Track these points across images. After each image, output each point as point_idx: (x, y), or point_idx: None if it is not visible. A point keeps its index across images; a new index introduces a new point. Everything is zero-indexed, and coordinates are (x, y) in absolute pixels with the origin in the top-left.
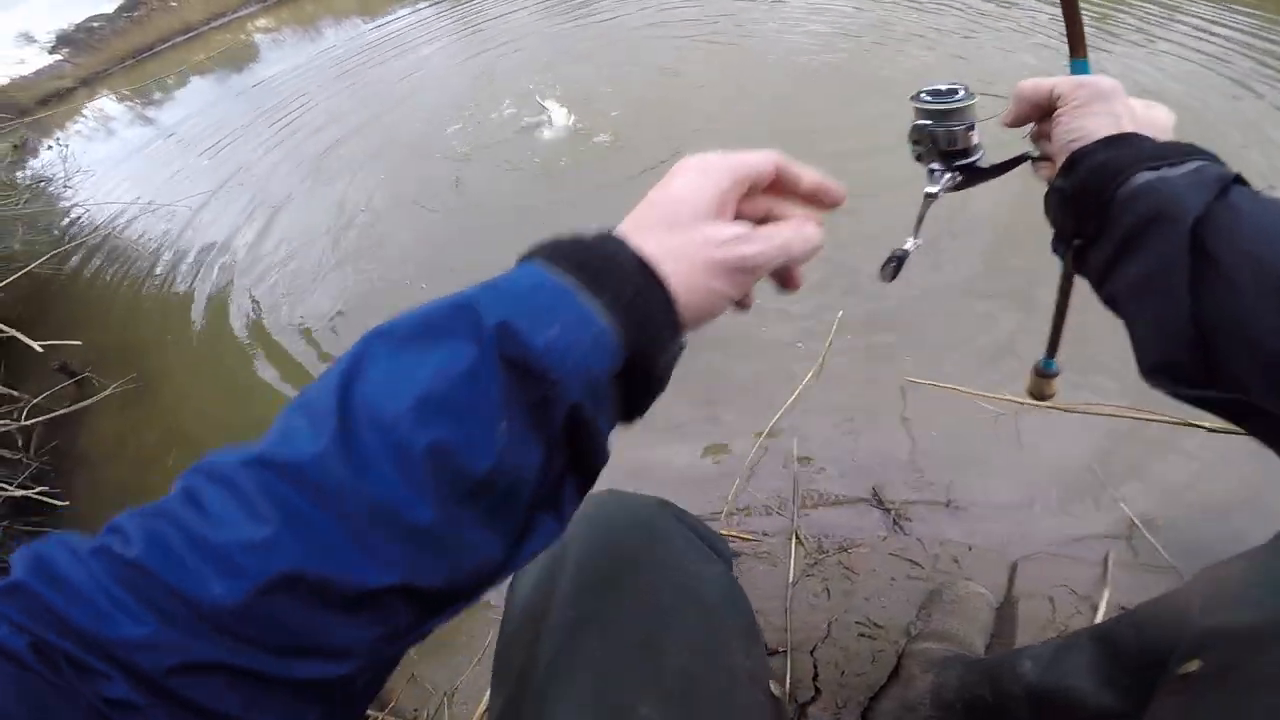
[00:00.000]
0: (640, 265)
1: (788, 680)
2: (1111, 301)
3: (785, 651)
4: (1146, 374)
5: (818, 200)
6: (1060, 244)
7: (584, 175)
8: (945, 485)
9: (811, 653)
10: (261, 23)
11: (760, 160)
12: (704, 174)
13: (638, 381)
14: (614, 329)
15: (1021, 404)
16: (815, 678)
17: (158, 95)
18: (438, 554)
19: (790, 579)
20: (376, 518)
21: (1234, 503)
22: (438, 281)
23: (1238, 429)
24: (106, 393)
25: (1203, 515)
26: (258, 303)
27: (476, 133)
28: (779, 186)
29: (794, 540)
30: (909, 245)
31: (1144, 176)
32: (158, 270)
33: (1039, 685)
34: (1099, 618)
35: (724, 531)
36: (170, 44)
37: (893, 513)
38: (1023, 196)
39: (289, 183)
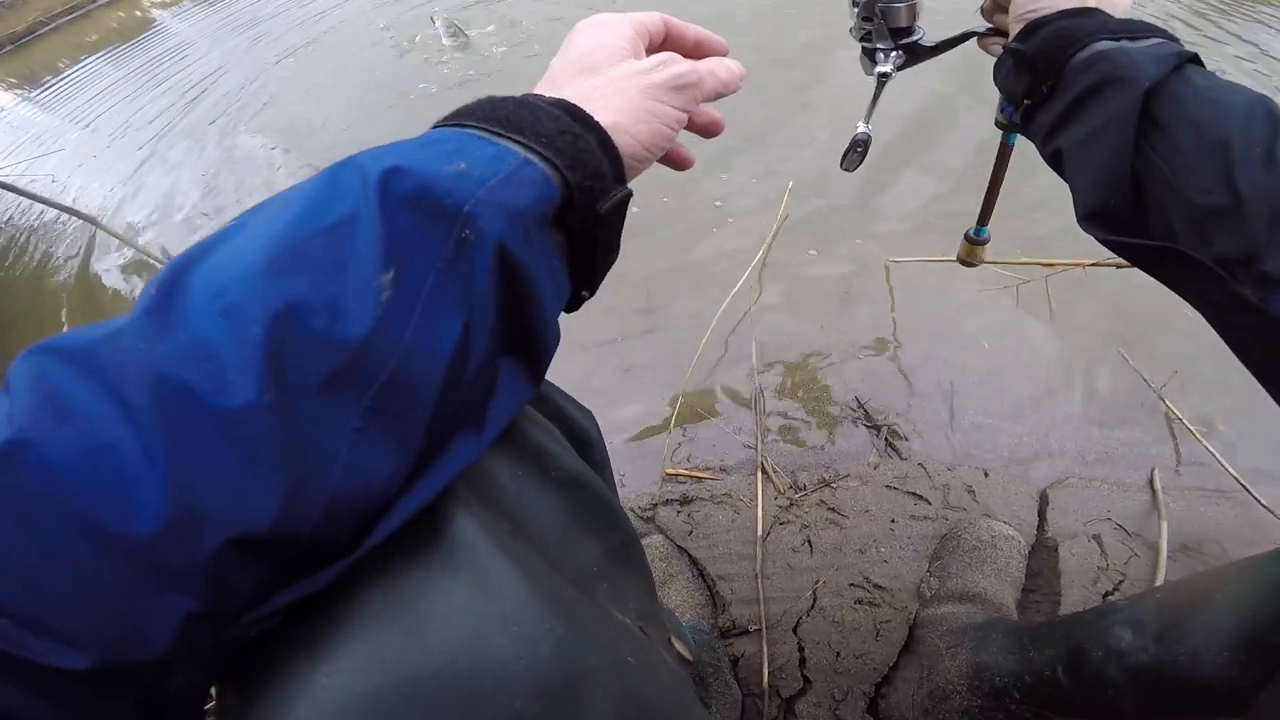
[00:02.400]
0: (563, 105)
1: (765, 670)
2: (1055, 157)
3: (760, 630)
4: (1082, 220)
5: (705, 53)
6: (1008, 108)
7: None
8: (944, 391)
9: (795, 630)
10: None
11: (652, 16)
12: (606, 26)
13: (582, 233)
14: (538, 162)
15: (1018, 265)
16: (802, 663)
17: (48, 78)
18: (266, 462)
19: (759, 530)
20: (163, 396)
21: None
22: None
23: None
24: None
25: (1260, 418)
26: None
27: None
28: (669, 45)
29: (760, 474)
30: (864, 129)
31: (1103, 45)
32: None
33: (1154, 664)
34: (1163, 562)
35: (669, 470)
36: (52, 26)
37: (884, 430)
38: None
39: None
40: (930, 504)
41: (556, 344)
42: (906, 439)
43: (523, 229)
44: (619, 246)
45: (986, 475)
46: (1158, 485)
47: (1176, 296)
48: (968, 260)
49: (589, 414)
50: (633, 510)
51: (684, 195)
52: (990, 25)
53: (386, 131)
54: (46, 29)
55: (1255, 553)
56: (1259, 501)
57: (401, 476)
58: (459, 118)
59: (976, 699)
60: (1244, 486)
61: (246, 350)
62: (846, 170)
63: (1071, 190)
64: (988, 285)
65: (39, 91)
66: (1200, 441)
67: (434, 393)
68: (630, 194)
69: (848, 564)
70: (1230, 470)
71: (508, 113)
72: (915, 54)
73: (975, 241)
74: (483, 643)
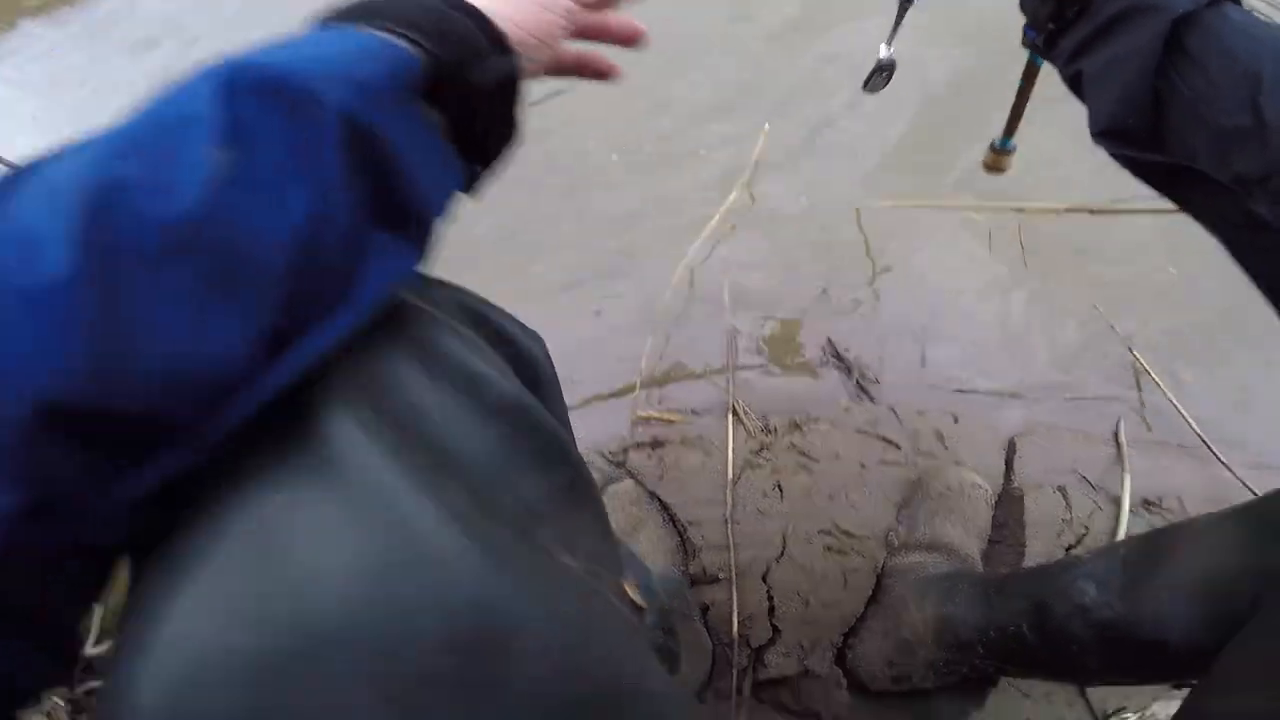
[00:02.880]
0: None
1: (734, 618)
2: (1075, 79)
3: (729, 578)
4: (1097, 136)
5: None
6: (1031, 32)
7: None
8: (915, 335)
9: (764, 578)
10: None
11: None
12: None
13: (459, 104)
14: (394, 39)
15: (993, 209)
16: (771, 612)
17: None
18: (76, 329)
19: (730, 474)
20: None
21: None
22: None
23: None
24: None
25: (1224, 373)
26: None
27: None
28: None
29: (731, 416)
30: (887, 53)
31: None
32: None
33: (1120, 621)
34: (1124, 517)
35: (641, 413)
36: None
37: (855, 374)
38: None
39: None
40: (900, 449)
41: (439, 216)
42: (878, 382)
43: (374, 100)
44: (515, 124)
45: (956, 421)
46: (1123, 438)
47: (1151, 251)
48: (994, 167)
49: (536, 336)
50: (604, 454)
51: (666, 140)
52: None
53: None
54: None
55: (1213, 509)
56: (1218, 457)
57: (250, 349)
58: (324, 19)
59: (942, 652)
60: (1204, 441)
61: (60, 224)
62: (869, 92)
63: (1088, 109)
64: (961, 230)
65: None
66: (1166, 394)
67: (280, 265)
68: (515, 66)
69: (817, 510)
70: (1193, 425)
71: (373, 7)
72: None
73: (1001, 151)
74: (379, 588)
